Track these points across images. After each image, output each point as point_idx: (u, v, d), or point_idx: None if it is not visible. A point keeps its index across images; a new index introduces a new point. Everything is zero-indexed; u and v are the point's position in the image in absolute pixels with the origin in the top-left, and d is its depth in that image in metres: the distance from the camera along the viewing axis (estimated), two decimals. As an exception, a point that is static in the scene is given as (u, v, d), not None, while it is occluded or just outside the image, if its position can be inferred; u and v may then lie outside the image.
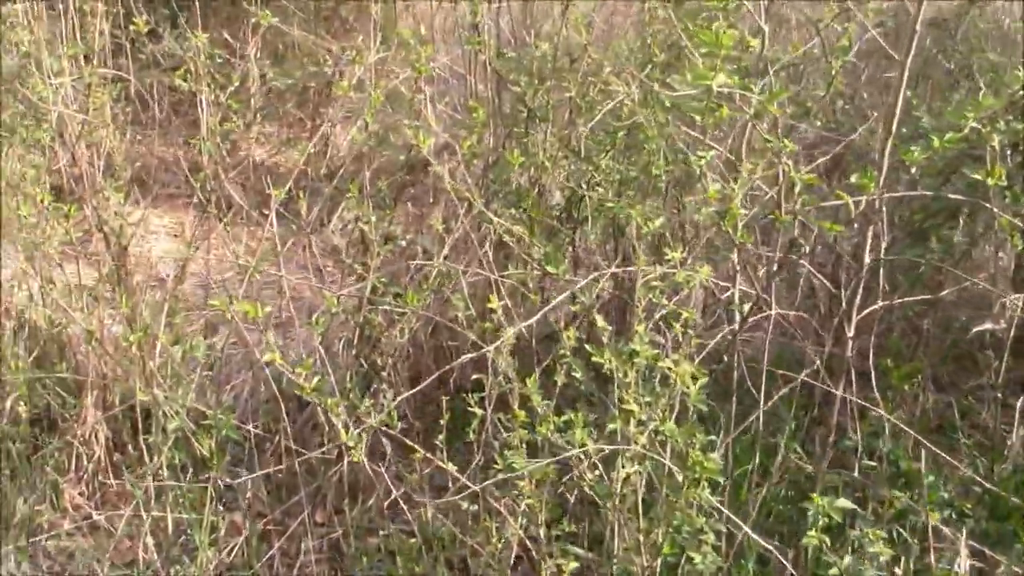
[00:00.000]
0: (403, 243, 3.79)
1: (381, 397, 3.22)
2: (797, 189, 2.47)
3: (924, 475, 3.20)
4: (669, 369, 2.32)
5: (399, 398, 2.84)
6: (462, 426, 2.96)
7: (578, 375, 2.63)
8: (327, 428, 3.34)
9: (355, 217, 3.75)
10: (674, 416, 2.41)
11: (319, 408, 3.02)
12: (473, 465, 2.85)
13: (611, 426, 2.43)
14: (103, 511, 3.58)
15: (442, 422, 2.88)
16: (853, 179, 2.38)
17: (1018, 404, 3.18)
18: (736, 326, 2.72)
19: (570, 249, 3.96)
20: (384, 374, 3.31)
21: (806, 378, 2.85)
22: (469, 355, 2.70)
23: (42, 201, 3.34)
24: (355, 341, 3.68)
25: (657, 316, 2.53)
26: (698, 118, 2.32)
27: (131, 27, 3.85)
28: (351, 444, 2.47)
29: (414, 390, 2.95)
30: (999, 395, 3.38)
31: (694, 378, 2.32)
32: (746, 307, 2.68)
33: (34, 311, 3.80)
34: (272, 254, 3.55)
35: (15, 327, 3.79)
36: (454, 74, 5.92)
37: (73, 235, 3.44)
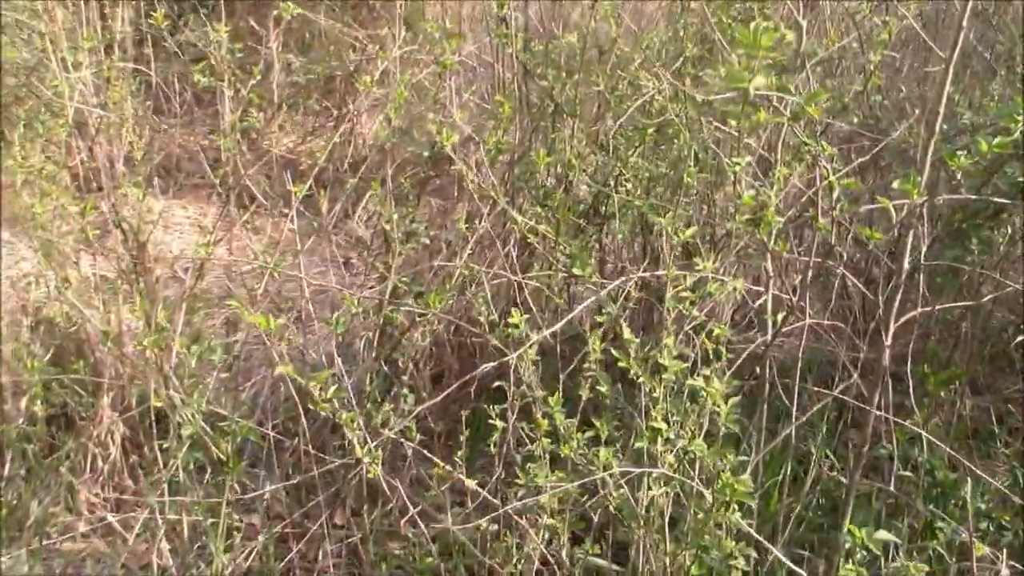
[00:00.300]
0: (426, 240, 3.70)
1: (402, 402, 3.13)
2: (835, 194, 2.37)
3: (963, 489, 3.10)
4: (700, 389, 2.22)
5: (418, 408, 2.75)
6: (484, 435, 2.87)
7: (603, 389, 2.54)
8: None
9: (377, 212, 3.67)
10: (703, 433, 2.31)
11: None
12: (494, 480, 2.75)
13: (638, 444, 2.33)
14: (119, 513, 3.52)
15: (462, 438, 2.77)
16: (895, 184, 2.27)
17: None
18: (768, 337, 2.62)
19: (597, 246, 3.85)
20: (405, 378, 3.22)
21: (840, 395, 2.74)
22: (490, 364, 2.60)
23: (57, 198, 3.26)
24: (375, 342, 3.60)
25: (687, 326, 2.42)
26: (733, 122, 2.22)
27: (150, 20, 3.76)
28: (367, 460, 2.38)
29: (433, 400, 2.85)
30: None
31: (726, 397, 2.22)
32: (779, 317, 2.57)
33: (51, 308, 3.73)
34: (292, 252, 3.47)
35: (32, 324, 3.72)
36: (482, 62, 5.86)
37: (90, 232, 3.36)
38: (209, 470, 3.38)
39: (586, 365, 2.54)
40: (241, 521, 3.59)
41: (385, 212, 3.40)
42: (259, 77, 3.61)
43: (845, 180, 2.36)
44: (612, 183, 3.68)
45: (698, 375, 2.29)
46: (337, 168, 6.16)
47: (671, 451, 2.27)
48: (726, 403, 2.24)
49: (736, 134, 2.39)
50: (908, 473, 3.17)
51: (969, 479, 3.31)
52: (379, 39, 7.69)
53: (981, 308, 3.30)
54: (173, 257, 3.99)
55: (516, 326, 2.42)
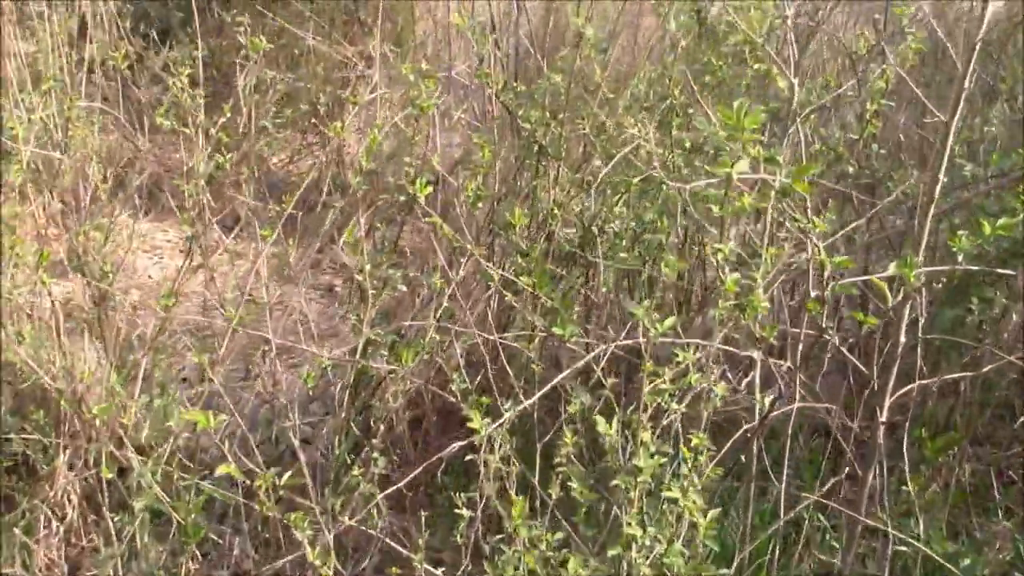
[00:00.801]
0: (403, 287, 3.54)
1: (372, 466, 2.97)
2: (827, 273, 2.21)
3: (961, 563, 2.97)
4: (676, 501, 2.06)
5: (381, 494, 2.59)
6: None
7: (576, 486, 2.37)
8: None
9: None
10: (684, 534, 2.15)
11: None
12: (460, 572, 2.58)
13: (611, 552, 2.17)
14: (78, 574, 3.36)
15: (424, 535, 2.59)
16: (892, 268, 2.12)
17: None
18: (756, 423, 2.46)
19: (581, 297, 3.69)
20: (376, 440, 3.06)
21: (824, 499, 2.58)
22: (458, 444, 2.44)
23: (12, 247, 3.10)
24: (349, 393, 3.44)
25: (667, 418, 2.27)
26: (715, 208, 2.06)
27: (123, 49, 3.61)
28: (318, 563, 2.22)
29: (398, 485, 2.68)
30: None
31: (704, 511, 2.06)
32: (767, 400, 2.42)
33: (10, 353, 3.56)
34: (258, 309, 3.31)
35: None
36: (473, 80, 5.74)
37: (48, 281, 3.19)
38: (175, 523, 3.23)
39: (557, 460, 2.38)
40: (208, 577, 3.45)
41: (359, 262, 3.25)
42: (229, 115, 3.47)
43: (838, 258, 2.20)
44: (597, 229, 3.53)
45: (673, 484, 2.13)
46: (323, 191, 6.02)
47: (646, 559, 2.11)
48: (705, 516, 2.09)
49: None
50: (903, 548, 3.00)
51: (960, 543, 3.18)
52: (369, 56, 7.55)
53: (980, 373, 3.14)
54: (132, 308, 3.80)
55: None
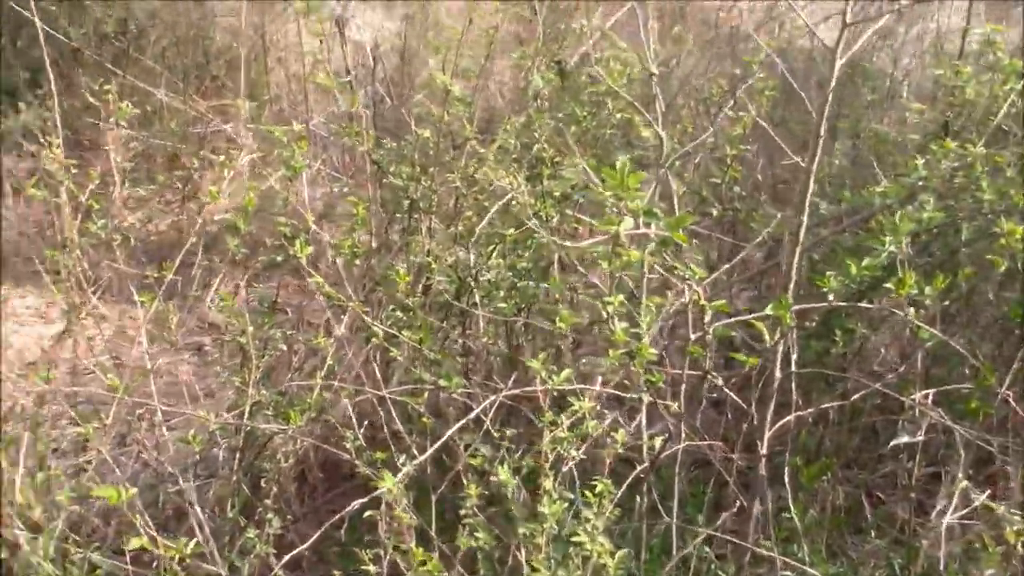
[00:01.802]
0: (284, 347, 3.56)
1: (266, 526, 2.97)
2: (707, 317, 2.32)
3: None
4: (583, 545, 2.13)
5: (285, 558, 2.59)
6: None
7: (481, 537, 2.41)
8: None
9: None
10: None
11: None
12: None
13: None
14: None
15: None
16: (769, 308, 2.23)
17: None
18: (647, 464, 2.55)
19: (460, 347, 3.74)
20: (268, 501, 3.06)
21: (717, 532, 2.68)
22: (359, 500, 2.46)
23: None
24: (237, 453, 3.43)
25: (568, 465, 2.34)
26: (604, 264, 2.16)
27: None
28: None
29: (296, 549, 2.68)
30: (913, 495, 3.27)
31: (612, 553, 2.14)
32: (657, 442, 2.51)
33: None
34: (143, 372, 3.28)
35: None
36: (330, 131, 5.77)
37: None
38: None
39: (463, 511, 2.43)
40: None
41: (240, 323, 3.25)
42: (97, 181, 3.45)
43: (716, 302, 2.31)
44: (472, 279, 3.59)
45: (578, 527, 2.20)
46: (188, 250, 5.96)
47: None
48: (613, 558, 2.16)
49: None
50: (788, 573, 3.12)
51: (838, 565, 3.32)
52: (223, 110, 7.52)
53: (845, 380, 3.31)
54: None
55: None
